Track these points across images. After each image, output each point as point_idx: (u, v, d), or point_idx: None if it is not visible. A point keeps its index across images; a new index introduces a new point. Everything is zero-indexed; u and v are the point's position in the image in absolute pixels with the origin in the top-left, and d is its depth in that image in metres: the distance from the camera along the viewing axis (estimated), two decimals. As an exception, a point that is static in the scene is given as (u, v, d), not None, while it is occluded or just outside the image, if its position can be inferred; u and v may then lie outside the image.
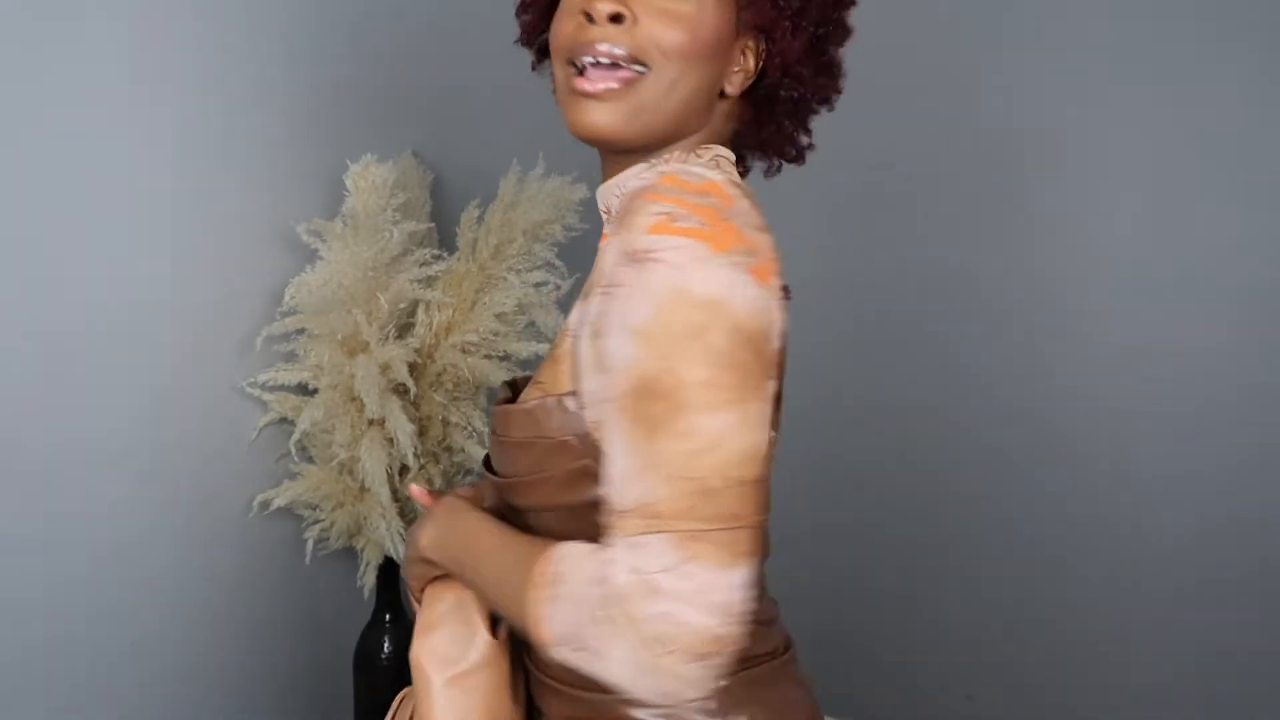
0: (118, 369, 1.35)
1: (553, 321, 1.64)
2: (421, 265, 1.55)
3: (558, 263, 1.66)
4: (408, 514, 1.58)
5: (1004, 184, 1.88)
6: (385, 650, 1.63)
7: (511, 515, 0.82)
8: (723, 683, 0.66)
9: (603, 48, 0.76)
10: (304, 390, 1.53)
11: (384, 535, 1.53)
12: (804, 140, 0.89)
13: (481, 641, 0.81)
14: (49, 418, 1.30)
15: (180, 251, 1.41)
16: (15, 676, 1.29)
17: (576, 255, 1.61)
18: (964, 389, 1.92)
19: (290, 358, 1.53)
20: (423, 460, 1.60)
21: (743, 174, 0.90)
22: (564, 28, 0.79)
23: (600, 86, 0.77)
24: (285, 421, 1.54)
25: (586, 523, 0.73)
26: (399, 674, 1.64)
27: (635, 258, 0.66)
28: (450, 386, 1.60)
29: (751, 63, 0.82)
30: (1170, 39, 1.74)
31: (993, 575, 1.94)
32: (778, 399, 0.79)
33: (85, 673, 1.35)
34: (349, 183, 1.49)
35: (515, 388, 0.88)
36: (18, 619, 1.29)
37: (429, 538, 0.84)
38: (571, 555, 0.69)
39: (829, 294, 1.94)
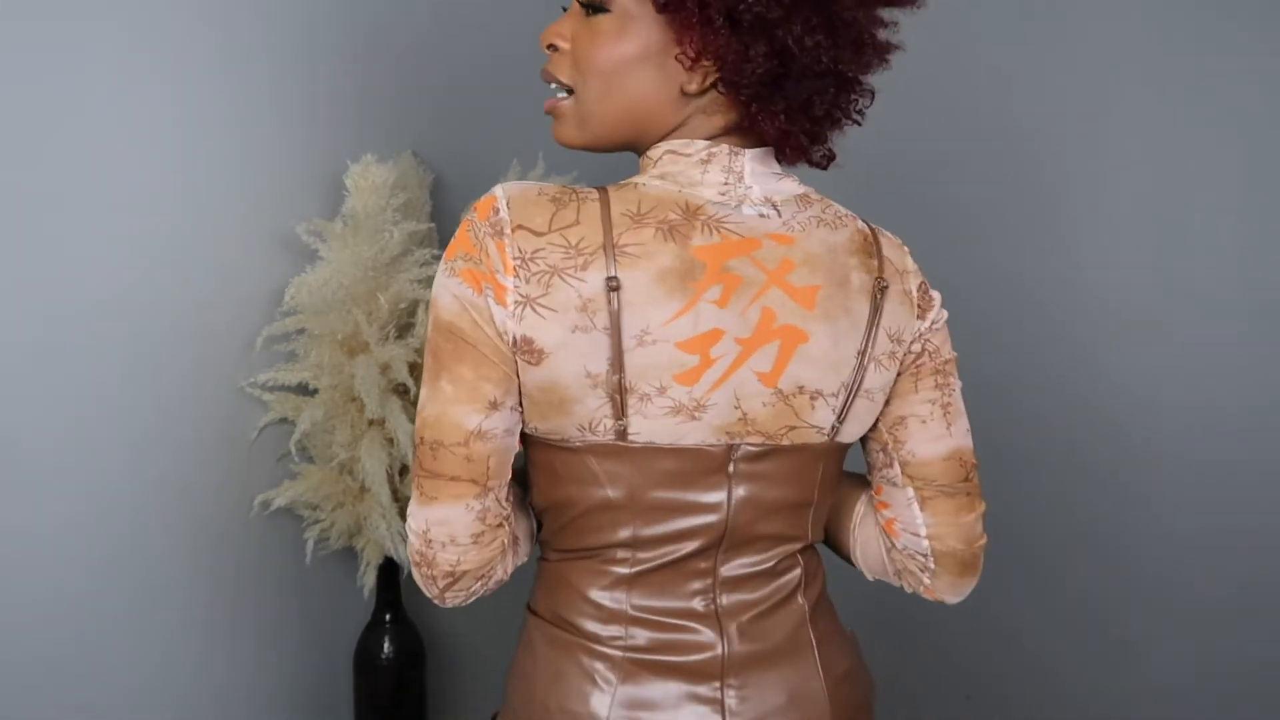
0: (117, 369, 1.35)
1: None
2: (421, 265, 1.55)
3: (558, 263, 1.66)
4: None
5: (1023, 184, 1.88)
6: (385, 650, 1.63)
7: None
8: (450, 593, 0.86)
9: (544, 70, 0.90)
10: (304, 390, 1.53)
11: (384, 535, 1.53)
12: (808, 126, 0.86)
13: None
14: (48, 418, 1.30)
15: (180, 252, 1.41)
16: (14, 677, 1.29)
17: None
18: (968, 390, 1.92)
19: (290, 358, 1.53)
20: (423, 460, 1.60)
21: (827, 160, 0.91)
22: None
23: (549, 105, 0.90)
24: (285, 421, 1.54)
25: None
26: (399, 674, 1.64)
27: None
28: (450, 386, 1.60)
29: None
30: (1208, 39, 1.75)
31: (992, 575, 1.94)
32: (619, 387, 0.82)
33: (85, 674, 1.35)
34: (349, 183, 1.49)
35: None
36: (16, 620, 1.29)
37: None
38: None
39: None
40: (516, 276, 0.80)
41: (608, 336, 0.80)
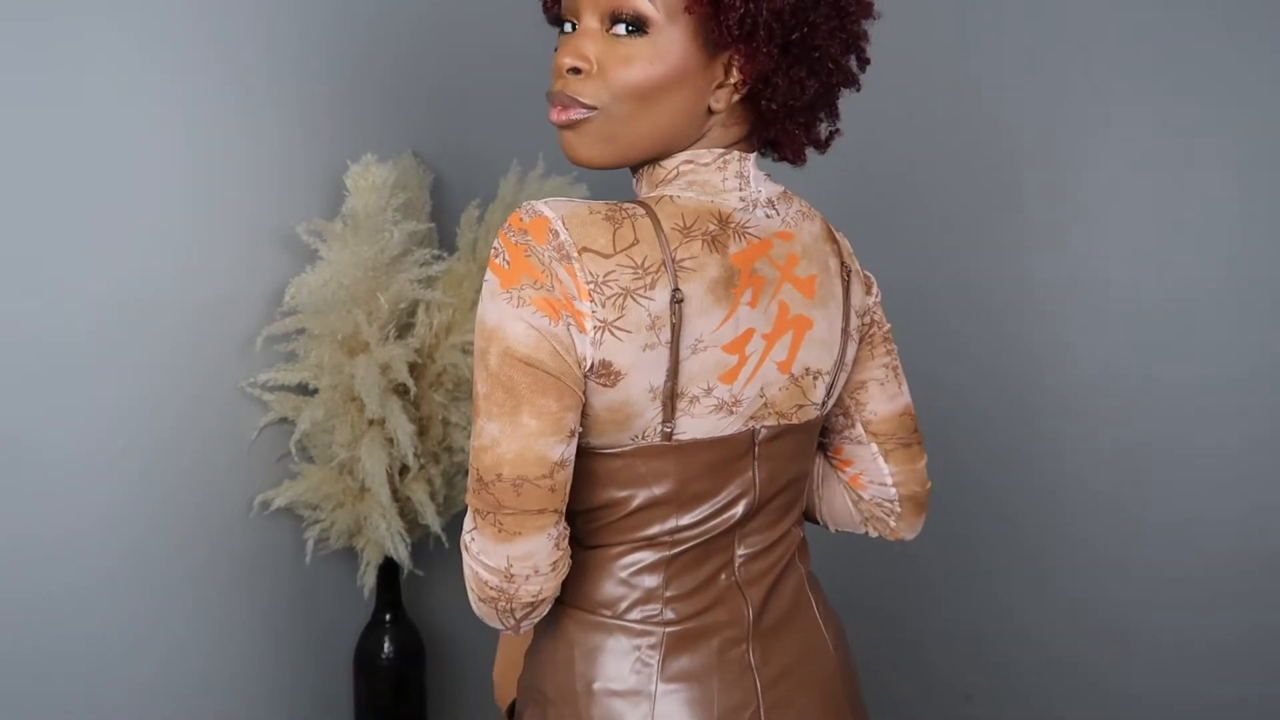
0: (118, 369, 1.36)
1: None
2: (421, 265, 1.55)
3: (558, 263, 1.66)
4: (407, 514, 1.58)
5: (1000, 190, 1.89)
6: (385, 650, 1.63)
7: None
8: (526, 621, 0.86)
9: (563, 94, 0.86)
10: (304, 390, 1.53)
11: (384, 535, 1.53)
12: (820, 132, 0.94)
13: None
14: (49, 418, 1.30)
15: (180, 251, 1.41)
16: (15, 677, 1.29)
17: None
18: (959, 390, 1.92)
19: (290, 358, 1.53)
20: (423, 460, 1.60)
21: (796, 159, 0.96)
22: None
23: (563, 117, 0.86)
24: (285, 421, 1.54)
25: None
26: (399, 674, 1.64)
27: None
28: (450, 386, 1.60)
29: (736, 76, 0.86)
30: (1180, 42, 1.75)
31: (992, 575, 1.94)
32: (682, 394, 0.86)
33: (85, 673, 1.35)
34: (349, 183, 1.49)
35: None
36: (17, 620, 1.29)
37: None
38: None
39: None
40: (592, 301, 0.80)
41: (669, 349, 0.83)
